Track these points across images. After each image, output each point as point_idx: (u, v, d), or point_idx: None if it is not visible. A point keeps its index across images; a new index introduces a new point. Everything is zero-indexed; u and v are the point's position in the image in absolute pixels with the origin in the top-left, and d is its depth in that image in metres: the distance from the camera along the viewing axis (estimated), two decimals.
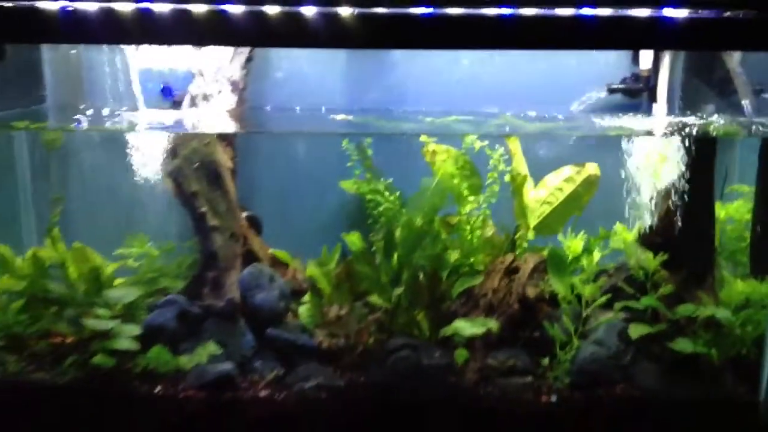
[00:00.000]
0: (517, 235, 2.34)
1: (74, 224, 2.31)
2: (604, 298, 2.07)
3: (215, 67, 2.30)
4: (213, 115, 2.31)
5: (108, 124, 2.33)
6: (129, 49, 2.32)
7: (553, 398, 2.01)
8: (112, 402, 2.01)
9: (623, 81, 2.47)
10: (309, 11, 1.84)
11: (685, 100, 2.40)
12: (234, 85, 2.32)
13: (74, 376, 2.01)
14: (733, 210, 2.21)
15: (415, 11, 1.84)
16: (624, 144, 2.26)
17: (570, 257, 2.24)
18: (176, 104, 2.34)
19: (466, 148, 2.31)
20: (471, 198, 2.32)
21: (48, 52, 2.41)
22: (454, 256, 2.28)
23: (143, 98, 2.37)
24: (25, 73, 2.33)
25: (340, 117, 2.39)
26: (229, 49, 2.31)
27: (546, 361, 2.08)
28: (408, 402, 2.03)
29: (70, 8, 1.83)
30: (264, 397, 2.01)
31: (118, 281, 2.21)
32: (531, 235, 2.34)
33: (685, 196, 2.13)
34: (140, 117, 2.34)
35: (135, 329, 2.03)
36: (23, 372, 2.04)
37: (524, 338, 2.16)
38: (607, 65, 2.47)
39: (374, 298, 2.23)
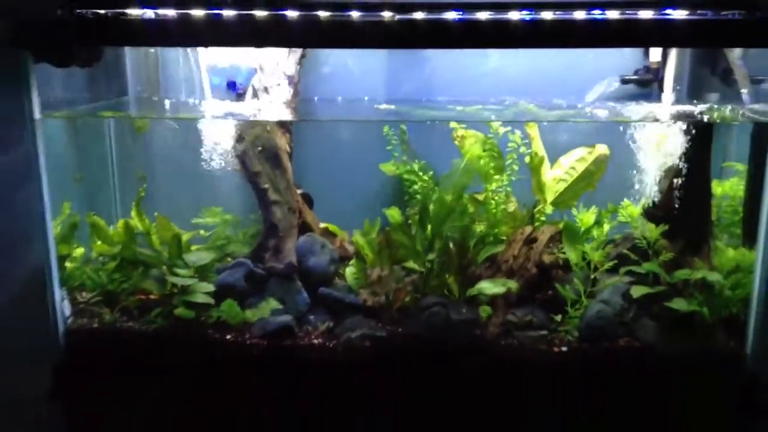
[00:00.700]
0: (535, 210, 2.49)
1: (154, 199, 2.48)
2: (610, 263, 2.24)
3: (274, 64, 2.45)
4: (272, 105, 2.44)
5: (184, 113, 2.56)
6: (199, 49, 2.50)
7: (564, 349, 2.16)
8: (191, 347, 2.20)
9: (635, 72, 2.58)
10: (356, 16, 2.05)
11: (692, 90, 2.53)
12: (290, 79, 2.47)
13: (159, 326, 2.22)
14: (728, 187, 2.35)
15: (449, 16, 2.06)
16: (632, 129, 2.37)
17: (582, 229, 2.40)
18: (240, 96, 2.52)
19: (492, 133, 2.43)
20: (495, 177, 2.48)
21: (130, 51, 2.61)
22: (479, 227, 2.44)
23: (211, 91, 2.54)
24: (110, 69, 2.57)
25: (383, 107, 2.54)
26: (286, 48, 2.46)
27: (559, 317, 2.23)
28: (439, 351, 2.18)
29: (152, 16, 2.06)
30: (317, 344, 2.20)
31: (192, 247, 2.43)
32: (548, 209, 2.49)
33: (685, 175, 2.26)
34: (209, 107, 2.52)
35: (210, 286, 2.24)
36: (116, 322, 2.25)
37: (540, 298, 2.31)
38: (621, 58, 2.59)
39: (410, 263, 2.37)
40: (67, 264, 2.30)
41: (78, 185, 2.41)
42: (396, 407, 2.16)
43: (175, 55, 2.59)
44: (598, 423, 2.15)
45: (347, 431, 2.20)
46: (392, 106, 2.53)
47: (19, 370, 2.15)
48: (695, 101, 2.49)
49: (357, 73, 2.64)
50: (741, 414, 2.13)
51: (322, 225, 2.59)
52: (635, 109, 2.49)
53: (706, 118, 2.34)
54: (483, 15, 2.07)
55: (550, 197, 2.47)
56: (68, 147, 2.43)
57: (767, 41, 1.99)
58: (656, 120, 2.44)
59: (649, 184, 2.36)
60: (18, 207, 2.10)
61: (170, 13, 2.07)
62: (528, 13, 2.09)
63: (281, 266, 2.34)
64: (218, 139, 2.41)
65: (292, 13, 2.08)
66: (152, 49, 2.60)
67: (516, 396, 2.15)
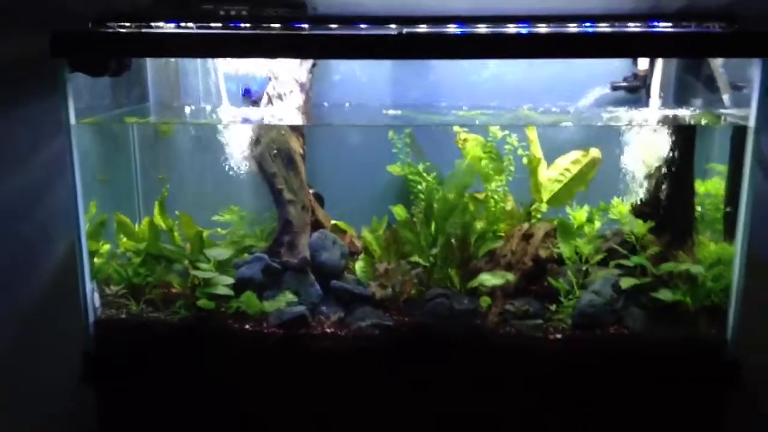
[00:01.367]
0: (532, 208, 2.57)
1: (175, 199, 2.59)
2: (599, 256, 2.34)
3: (287, 72, 2.54)
4: (286, 110, 2.53)
5: (204, 119, 2.67)
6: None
7: (558, 336, 2.25)
8: (212, 336, 2.31)
9: (625, 79, 2.64)
10: (364, 31, 2.17)
11: (678, 95, 2.63)
12: (302, 86, 2.54)
13: (183, 316, 2.33)
14: (710, 186, 2.44)
15: (451, 30, 2.17)
16: (621, 132, 2.48)
17: (575, 225, 2.48)
18: (255, 103, 2.61)
19: (491, 136, 2.52)
20: (495, 177, 2.54)
21: (151, 60, 2.70)
22: (480, 224, 2.51)
23: (228, 98, 2.65)
24: (132, 77, 2.65)
25: (390, 112, 2.62)
26: None
27: (553, 307, 2.32)
28: (442, 338, 2.27)
29: (175, 30, 2.20)
30: (329, 333, 2.29)
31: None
32: (544, 207, 2.57)
33: (670, 175, 2.38)
34: (226, 113, 2.62)
35: (229, 279, 2.35)
36: (142, 313, 2.36)
37: (536, 289, 2.40)
38: (611, 66, 2.65)
39: (415, 258, 2.46)
40: (95, 260, 2.42)
41: (103, 186, 2.51)
42: (403, 391, 2.26)
43: (194, 64, 2.69)
44: (589, 404, 2.25)
45: (357, 413, 2.30)
46: (399, 112, 2.62)
47: (53, 357, 2.26)
48: (680, 106, 2.59)
49: (365, 80, 2.72)
50: (722, 395, 2.23)
51: (333, 222, 2.68)
52: (624, 114, 2.59)
53: (689, 122, 2.45)
54: (482, 28, 2.18)
55: (546, 196, 2.56)
56: (95, 150, 2.53)
57: (744, 52, 2.12)
58: (643, 124, 2.54)
59: (637, 184, 2.47)
60: (54, 205, 2.24)
61: (189, 28, 2.20)
62: (525, 26, 2.20)
63: (296, 261, 2.44)
64: (236, 142, 2.52)
65: (301, 28, 2.21)
66: (172, 59, 2.70)
67: (514, 379, 2.24)
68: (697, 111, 2.52)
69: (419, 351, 2.28)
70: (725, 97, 2.38)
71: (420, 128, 2.63)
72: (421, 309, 2.36)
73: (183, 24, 2.23)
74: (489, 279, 2.34)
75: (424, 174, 2.58)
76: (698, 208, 2.46)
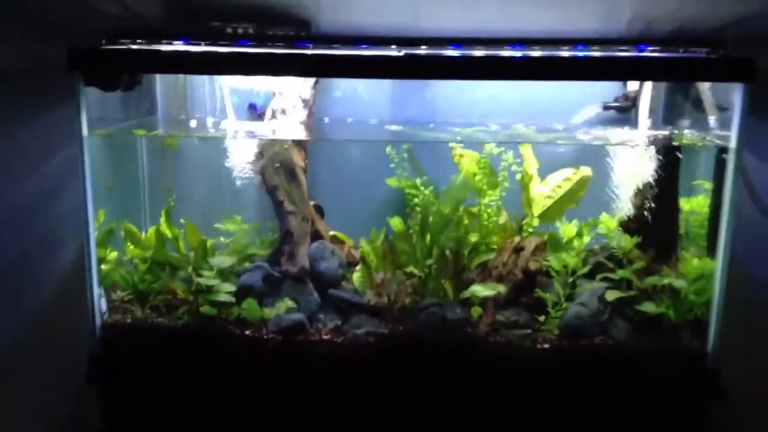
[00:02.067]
0: (524, 222, 2.63)
1: (181, 209, 2.65)
2: (586, 269, 2.41)
3: (291, 88, 2.61)
4: (289, 125, 2.59)
5: (210, 132, 2.75)
6: None
7: (546, 346, 2.31)
8: (214, 340, 2.37)
9: (615, 100, 2.72)
10: (366, 51, 2.27)
11: (666, 116, 2.71)
12: (305, 102, 2.61)
13: (186, 322, 2.39)
14: (695, 204, 2.51)
15: (449, 53, 2.27)
16: (610, 150, 2.54)
17: (565, 239, 2.54)
18: (259, 117, 2.69)
19: (486, 153, 2.58)
20: (489, 192, 2.59)
21: (161, 75, 2.78)
22: (473, 237, 2.57)
23: (233, 112, 2.72)
24: (142, 91, 2.71)
25: (393, 127, 2.69)
26: None
27: (542, 318, 2.37)
28: (435, 346, 2.33)
29: (183, 49, 2.29)
30: (327, 340, 2.35)
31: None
32: (535, 222, 2.62)
33: (656, 192, 2.45)
34: (232, 127, 2.68)
35: (231, 287, 2.42)
36: (147, 318, 2.43)
37: (525, 300, 2.46)
38: (603, 87, 2.73)
39: (411, 268, 2.50)
40: (103, 266, 2.49)
41: (111, 195, 2.58)
42: (396, 396, 2.32)
43: (201, 79, 2.76)
44: (574, 411, 2.32)
45: (353, 416, 2.36)
46: (401, 127, 2.69)
47: (61, 358, 2.36)
48: (668, 126, 2.67)
49: (366, 97, 2.79)
50: (702, 404, 2.30)
51: (332, 233, 2.74)
52: (614, 133, 2.66)
53: (674, 142, 2.53)
54: (479, 51, 2.29)
55: (537, 211, 2.63)
56: (104, 161, 2.58)
57: (729, 76, 2.19)
58: (632, 144, 2.62)
59: (625, 201, 2.53)
60: (65, 212, 2.34)
61: (197, 48, 2.29)
62: (519, 49, 2.30)
63: (295, 270, 2.50)
64: (241, 155, 2.58)
65: (304, 50, 2.29)
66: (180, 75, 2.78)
67: (503, 386, 2.31)
68: (685, 131, 2.59)
69: (413, 358, 2.34)
70: (711, 119, 2.45)
71: (418, 144, 2.69)
72: (415, 318, 2.42)
73: (192, 42, 2.33)
74: (481, 290, 2.40)
75: (421, 188, 2.64)
76: (682, 225, 2.53)
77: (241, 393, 2.38)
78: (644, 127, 2.69)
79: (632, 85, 2.71)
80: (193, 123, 2.78)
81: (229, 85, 2.73)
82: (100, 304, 2.42)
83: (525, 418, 2.35)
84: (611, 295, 2.35)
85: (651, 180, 2.48)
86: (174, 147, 2.81)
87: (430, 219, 2.57)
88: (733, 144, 2.21)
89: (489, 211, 2.62)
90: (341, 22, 2.45)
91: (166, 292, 2.53)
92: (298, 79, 2.64)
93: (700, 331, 2.32)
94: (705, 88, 2.48)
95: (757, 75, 2.06)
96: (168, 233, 2.57)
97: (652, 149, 2.48)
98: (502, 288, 2.42)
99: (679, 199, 2.51)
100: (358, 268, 2.61)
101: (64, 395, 2.42)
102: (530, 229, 2.65)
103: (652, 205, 2.48)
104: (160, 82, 2.84)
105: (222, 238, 2.73)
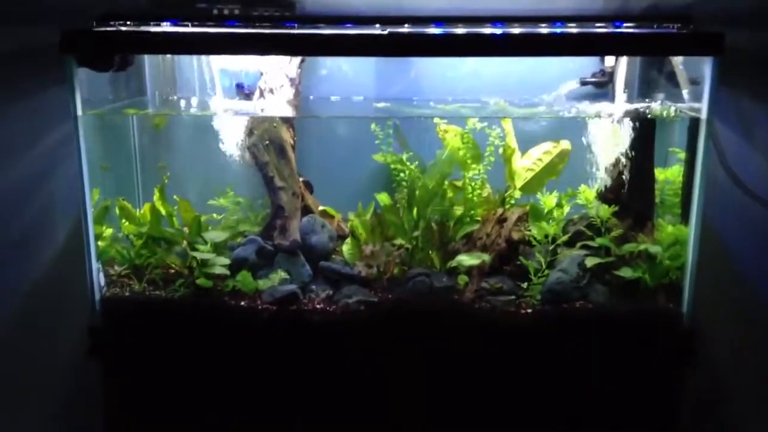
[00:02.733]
0: (506, 194, 2.70)
1: (173, 186, 2.69)
2: (566, 237, 2.50)
3: (277, 68, 2.63)
4: (277, 103, 2.61)
5: (200, 111, 2.79)
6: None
7: (529, 311, 2.39)
8: (210, 312, 2.44)
9: (593, 75, 2.75)
10: (350, 30, 2.31)
11: (642, 90, 2.76)
12: (292, 81, 2.62)
13: (182, 294, 2.45)
14: (670, 174, 2.60)
15: (431, 31, 2.32)
16: (588, 123, 2.62)
17: (546, 210, 2.62)
18: (247, 96, 2.71)
19: (469, 128, 2.63)
20: (473, 166, 2.64)
21: (149, 56, 2.79)
22: (458, 210, 2.62)
23: (222, 91, 2.74)
24: (132, 71, 2.73)
25: (381, 105, 2.73)
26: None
27: (524, 284, 2.45)
28: (423, 313, 2.40)
29: (174, 30, 2.33)
30: (319, 309, 2.42)
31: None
32: (517, 194, 2.69)
33: (632, 163, 2.54)
34: (221, 106, 2.71)
35: (226, 260, 2.48)
36: (144, 291, 2.49)
37: (509, 268, 2.53)
38: (580, 62, 2.78)
39: (399, 240, 2.57)
40: (99, 243, 2.55)
41: (105, 174, 2.62)
42: (387, 361, 2.41)
43: (189, 59, 2.78)
44: (557, 371, 2.41)
45: (344, 382, 2.45)
46: (386, 104, 2.74)
47: (62, 331, 2.43)
48: (644, 100, 2.74)
49: (351, 75, 2.84)
50: (678, 362, 2.40)
51: (321, 208, 2.78)
52: (592, 107, 2.72)
53: (648, 115, 2.61)
54: (460, 28, 2.33)
55: (519, 184, 2.71)
56: (96, 141, 2.61)
57: (699, 50, 2.28)
58: (609, 116, 2.69)
59: (603, 172, 2.62)
60: (64, 191, 2.40)
61: (186, 29, 2.34)
62: (499, 26, 2.36)
63: (287, 243, 2.55)
64: (230, 133, 2.64)
65: (293, 26, 2.34)
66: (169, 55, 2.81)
67: (488, 350, 2.40)
68: (659, 104, 2.67)
69: (402, 325, 2.42)
70: (684, 92, 2.52)
71: (403, 120, 2.74)
72: (403, 287, 2.49)
73: (180, 23, 2.37)
74: (466, 259, 2.48)
75: (407, 163, 2.70)
76: (658, 194, 2.62)
77: (237, 361, 2.45)
78: (620, 101, 2.75)
79: (609, 61, 2.77)
80: (182, 103, 2.81)
81: (217, 65, 2.76)
82: (99, 278, 2.48)
83: (509, 379, 2.45)
84: (590, 262, 2.42)
85: (627, 151, 2.57)
86: (162, 127, 2.84)
87: (417, 193, 2.62)
88: (704, 115, 2.29)
89: (473, 184, 2.67)
90: (325, 2, 2.49)
91: (162, 266, 2.59)
92: (284, 59, 2.67)
93: (675, 294, 2.40)
94: (678, 62, 2.55)
95: (725, 49, 2.14)
96: (162, 210, 2.62)
97: (628, 122, 2.57)
98: (486, 257, 2.49)
99: (655, 169, 2.61)
100: (347, 241, 2.66)
101: (65, 367, 2.49)
102: (513, 201, 2.71)
103: (629, 175, 2.57)
104: (149, 63, 2.86)
105: (215, 215, 2.78)
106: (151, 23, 2.38)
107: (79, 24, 2.31)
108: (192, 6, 2.47)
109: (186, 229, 2.62)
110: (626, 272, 2.42)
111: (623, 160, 2.59)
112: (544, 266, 2.49)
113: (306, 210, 2.71)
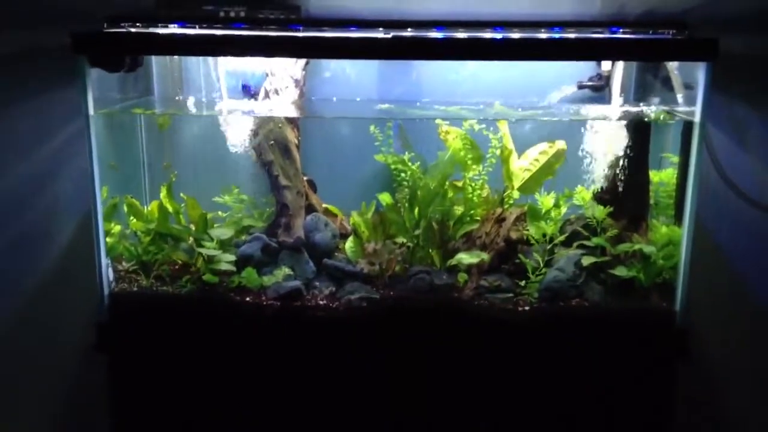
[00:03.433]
0: (505, 194, 2.72)
1: (179, 184, 2.73)
2: (563, 237, 2.54)
3: (282, 69, 2.68)
4: (282, 104, 2.67)
5: (207, 111, 2.83)
6: None
7: (527, 308, 2.42)
8: (216, 307, 2.47)
9: (590, 79, 2.81)
10: (354, 33, 2.35)
11: (637, 94, 2.83)
12: (296, 82, 2.69)
13: (189, 290, 2.49)
14: (664, 176, 2.65)
15: (433, 35, 2.35)
16: (585, 126, 2.66)
17: (543, 210, 2.66)
18: (253, 97, 2.78)
19: (467, 129, 2.66)
20: (473, 167, 2.68)
21: (157, 57, 2.84)
22: (459, 209, 2.67)
23: (227, 92, 2.79)
24: (140, 72, 2.78)
25: (385, 106, 2.76)
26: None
27: (522, 282, 2.49)
28: (423, 310, 2.43)
29: (184, 31, 2.37)
30: (322, 305, 2.45)
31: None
32: (516, 194, 2.73)
33: (627, 165, 2.59)
34: (227, 106, 2.76)
35: (232, 257, 2.53)
36: (151, 287, 2.53)
37: (507, 267, 2.57)
38: (578, 66, 2.83)
39: (400, 238, 2.62)
40: (108, 239, 2.59)
41: (113, 172, 2.66)
42: (388, 356, 2.45)
43: (196, 60, 2.84)
44: (552, 367, 2.45)
45: (347, 376, 2.49)
46: (389, 106, 2.77)
47: (71, 326, 2.46)
48: (639, 104, 2.79)
49: (354, 78, 2.89)
50: (671, 360, 2.45)
51: (325, 206, 2.84)
52: (588, 110, 2.77)
53: (644, 118, 2.66)
54: (461, 33, 2.37)
55: (517, 184, 2.75)
56: (105, 140, 2.66)
57: (693, 56, 2.33)
58: (605, 119, 2.74)
59: (599, 173, 2.67)
60: (70, 190, 2.43)
61: (192, 31, 2.38)
62: (499, 31, 2.39)
63: (291, 240, 2.60)
64: (236, 133, 2.68)
65: (299, 29, 2.37)
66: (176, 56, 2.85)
67: (487, 346, 2.44)
68: (654, 108, 2.72)
69: (403, 321, 2.45)
70: (679, 96, 2.56)
71: (405, 121, 2.79)
72: (404, 284, 2.53)
73: (187, 25, 2.42)
74: (466, 258, 2.52)
75: (409, 163, 2.74)
76: (652, 195, 2.68)
77: (242, 356, 2.50)
78: (616, 104, 2.80)
79: (605, 65, 2.82)
80: (189, 103, 2.86)
81: (223, 66, 2.81)
82: (108, 274, 2.53)
83: (506, 374, 2.49)
84: (586, 261, 2.46)
85: (623, 154, 2.63)
86: (166, 127, 2.87)
87: (418, 192, 2.67)
88: (697, 119, 2.34)
89: (473, 184, 2.72)
90: (330, 5, 2.53)
91: (169, 262, 2.64)
92: (289, 61, 2.73)
93: (669, 293, 2.45)
94: (673, 67, 2.59)
95: (719, 54, 2.20)
96: (169, 207, 2.67)
97: (624, 125, 2.62)
98: (485, 255, 2.53)
99: (649, 171, 2.66)
100: (350, 239, 2.70)
101: (74, 361, 2.53)
102: (511, 201, 2.76)
103: (624, 177, 2.63)
104: (157, 63, 2.91)
105: (220, 212, 2.82)
106: (159, 25, 2.43)
107: (87, 26, 2.36)
108: (199, 9, 2.50)
109: (192, 226, 2.67)
110: (621, 271, 2.46)
111: (618, 162, 2.65)
112: (541, 265, 2.53)
113: (309, 208, 2.75)
